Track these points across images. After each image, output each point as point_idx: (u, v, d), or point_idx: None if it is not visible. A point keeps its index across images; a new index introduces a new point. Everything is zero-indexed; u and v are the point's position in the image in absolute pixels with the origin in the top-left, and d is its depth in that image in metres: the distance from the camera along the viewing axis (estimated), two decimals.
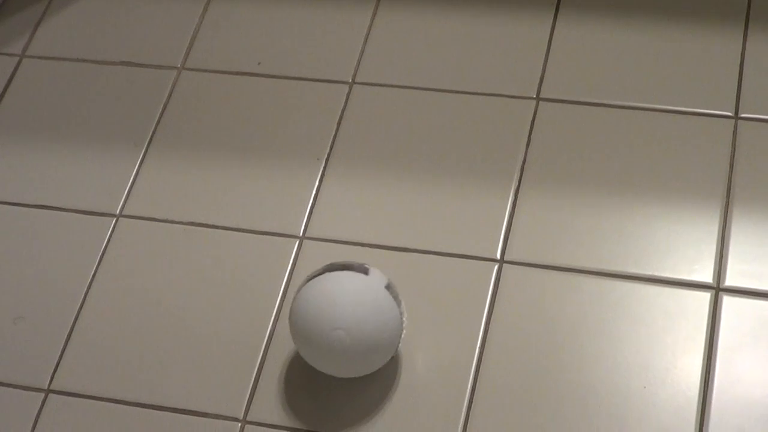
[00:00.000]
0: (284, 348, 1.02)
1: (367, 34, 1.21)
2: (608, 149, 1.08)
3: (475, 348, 0.99)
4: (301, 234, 1.08)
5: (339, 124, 1.15)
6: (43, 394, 1.03)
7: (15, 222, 1.14)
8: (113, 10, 1.28)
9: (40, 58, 1.26)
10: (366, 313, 0.93)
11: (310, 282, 0.96)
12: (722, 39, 1.13)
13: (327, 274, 0.95)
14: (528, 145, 1.10)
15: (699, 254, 1.01)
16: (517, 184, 1.08)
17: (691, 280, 1.00)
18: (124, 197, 1.14)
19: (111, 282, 1.08)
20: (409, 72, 1.17)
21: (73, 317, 1.07)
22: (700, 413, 0.93)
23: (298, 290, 0.97)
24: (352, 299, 0.93)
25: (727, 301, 0.98)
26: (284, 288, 1.05)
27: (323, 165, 1.12)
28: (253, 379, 1.00)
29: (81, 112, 1.21)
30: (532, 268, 1.03)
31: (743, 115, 1.08)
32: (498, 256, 1.04)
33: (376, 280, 0.95)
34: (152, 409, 1.01)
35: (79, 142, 1.19)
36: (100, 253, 1.10)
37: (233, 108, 1.18)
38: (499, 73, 1.15)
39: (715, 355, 0.96)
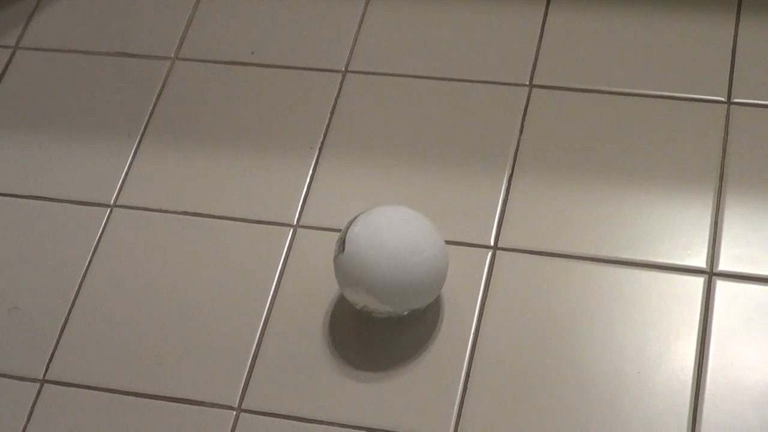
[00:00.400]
0: (279, 336, 1.02)
1: (360, 23, 1.21)
2: (601, 135, 1.08)
3: (469, 335, 0.99)
4: (295, 222, 1.08)
5: (332, 112, 1.15)
6: (38, 385, 1.03)
7: (9, 213, 1.14)
8: (106, 0, 1.28)
9: (33, 49, 1.26)
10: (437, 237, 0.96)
11: (370, 215, 0.95)
12: (714, 24, 1.13)
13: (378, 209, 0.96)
14: (521, 131, 1.10)
15: (692, 239, 1.01)
16: (510, 171, 1.08)
17: (685, 265, 1.00)
18: (118, 187, 1.14)
19: (106, 272, 1.09)
20: (402, 60, 1.17)
21: (68, 307, 1.07)
22: (694, 398, 0.93)
23: (352, 226, 0.95)
24: (422, 225, 0.96)
25: (721, 286, 0.98)
26: (278, 276, 1.05)
27: (317, 154, 1.12)
28: (247, 368, 1.01)
29: (75, 102, 1.21)
30: (526, 255, 1.03)
31: (736, 100, 1.08)
32: (492, 243, 1.04)
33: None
34: (147, 398, 1.01)
35: (73, 133, 1.19)
36: (94, 244, 1.10)
37: (227, 98, 1.18)
38: (491, 60, 1.15)
39: (709, 339, 0.96)
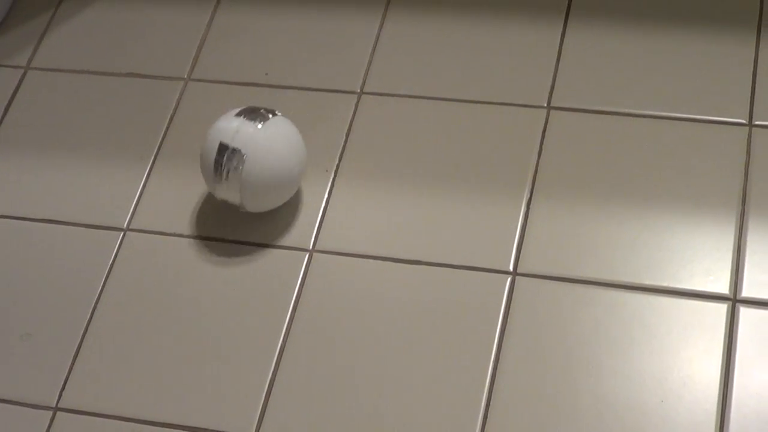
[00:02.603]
0: (296, 364, 1.01)
1: (375, 44, 1.20)
2: (621, 158, 1.07)
3: (489, 362, 0.98)
4: (310, 248, 1.07)
5: (348, 135, 1.14)
6: (51, 412, 1.02)
7: (21, 237, 1.13)
8: (119, 20, 1.27)
9: (45, 70, 1.25)
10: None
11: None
12: (735, 46, 1.12)
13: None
14: (540, 154, 1.09)
15: (714, 265, 1.00)
16: (529, 194, 1.06)
17: (707, 292, 0.99)
18: (131, 211, 1.13)
19: (119, 297, 1.07)
20: (418, 81, 1.16)
21: (81, 333, 1.06)
22: (718, 428, 0.92)
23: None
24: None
25: (744, 313, 0.97)
26: (294, 302, 1.04)
27: (332, 176, 1.11)
28: (264, 396, 0.99)
29: (86, 124, 1.20)
30: (546, 281, 1.01)
31: (757, 123, 1.07)
32: (511, 269, 1.03)
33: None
34: (162, 426, 0.99)
35: (84, 155, 1.18)
36: (107, 268, 1.09)
37: None
38: (509, 82, 1.14)
39: (733, 367, 0.94)
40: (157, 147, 1.17)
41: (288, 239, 1.08)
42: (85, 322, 1.06)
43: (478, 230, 1.05)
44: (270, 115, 1.05)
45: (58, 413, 1.02)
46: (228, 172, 1.02)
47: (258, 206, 1.06)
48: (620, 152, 1.08)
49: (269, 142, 1.03)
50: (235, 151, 1.02)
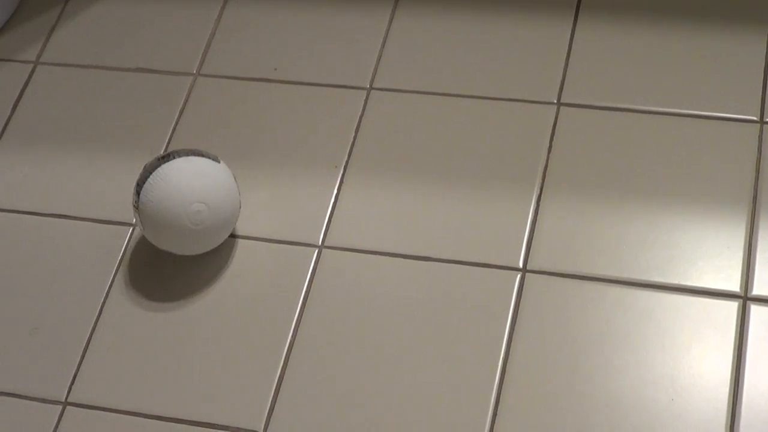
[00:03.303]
0: (305, 360, 1.00)
1: (385, 39, 1.19)
2: (631, 155, 1.07)
3: (499, 358, 0.98)
4: (319, 243, 1.07)
5: (357, 130, 1.13)
6: (60, 407, 1.02)
7: (30, 231, 1.13)
8: (128, 15, 1.27)
9: (54, 65, 1.25)
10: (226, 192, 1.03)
11: (169, 162, 1.02)
12: (746, 42, 1.12)
13: (184, 158, 1.03)
14: (549, 151, 1.08)
15: (725, 262, 0.99)
16: (538, 191, 1.06)
17: (718, 289, 0.98)
18: None
19: (127, 291, 1.07)
20: (428, 77, 1.16)
21: (90, 327, 1.06)
22: (729, 426, 0.92)
23: (152, 169, 1.02)
24: (213, 179, 1.03)
25: (755, 311, 0.97)
26: (303, 298, 1.04)
27: (341, 172, 1.11)
28: (273, 391, 0.99)
29: (95, 119, 1.20)
30: (555, 277, 1.01)
31: None
32: (520, 265, 1.02)
33: (226, 168, 1.05)
34: (171, 421, 0.99)
35: (93, 150, 1.18)
36: (116, 263, 1.09)
37: (249, 114, 1.17)
38: (519, 78, 1.14)
39: (744, 365, 0.94)
40: (166, 142, 1.17)
41: (297, 235, 1.07)
42: (95, 317, 1.06)
43: (488, 227, 1.05)
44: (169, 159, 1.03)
45: (68, 408, 1.02)
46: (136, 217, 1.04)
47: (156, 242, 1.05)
48: (630, 149, 1.07)
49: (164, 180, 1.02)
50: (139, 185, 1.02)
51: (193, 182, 1.01)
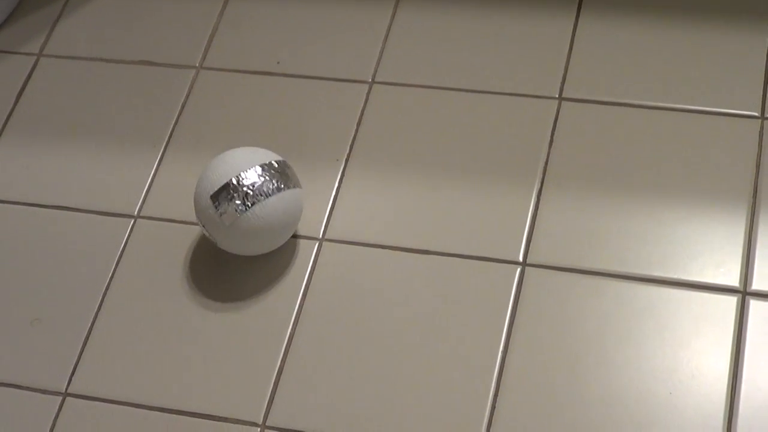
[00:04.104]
0: (305, 352, 1.01)
1: (387, 33, 1.19)
2: (632, 150, 1.07)
3: (498, 351, 0.98)
4: (320, 236, 1.07)
5: (359, 124, 1.14)
6: (60, 398, 1.02)
7: (32, 223, 1.13)
8: (131, 8, 1.27)
9: (57, 57, 1.25)
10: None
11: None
12: (747, 37, 1.12)
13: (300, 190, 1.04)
14: (550, 145, 1.09)
15: (725, 257, 0.99)
16: (539, 185, 1.06)
17: (717, 284, 0.98)
18: (142, 198, 1.13)
19: (128, 283, 1.08)
20: (430, 71, 1.16)
21: (91, 319, 1.06)
22: (726, 421, 0.92)
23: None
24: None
25: (754, 305, 0.97)
26: (303, 290, 1.04)
27: (343, 166, 1.11)
28: (272, 383, 0.99)
29: (98, 111, 1.20)
30: (555, 271, 1.01)
31: None
32: (520, 259, 1.02)
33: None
34: (171, 413, 1.00)
35: (96, 142, 1.18)
36: (118, 255, 1.09)
37: (252, 108, 1.17)
38: (520, 73, 1.14)
39: (743, 360, 0.94)
40: (168, 135, 1.17)
41: (298, 228, 1.08)
42: (96, 308, 1.06)
43: (489, 220, 1.05)
44: (289, 186, 1.03)
45: (68, 399, 1.02)
46: (224, 212, 1.01)
47: (231, 248, 1.05)
48: (631, 144, 1.07)
49: (275, 211, 1.02)
50: (243, 196, 1.01)
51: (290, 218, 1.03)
